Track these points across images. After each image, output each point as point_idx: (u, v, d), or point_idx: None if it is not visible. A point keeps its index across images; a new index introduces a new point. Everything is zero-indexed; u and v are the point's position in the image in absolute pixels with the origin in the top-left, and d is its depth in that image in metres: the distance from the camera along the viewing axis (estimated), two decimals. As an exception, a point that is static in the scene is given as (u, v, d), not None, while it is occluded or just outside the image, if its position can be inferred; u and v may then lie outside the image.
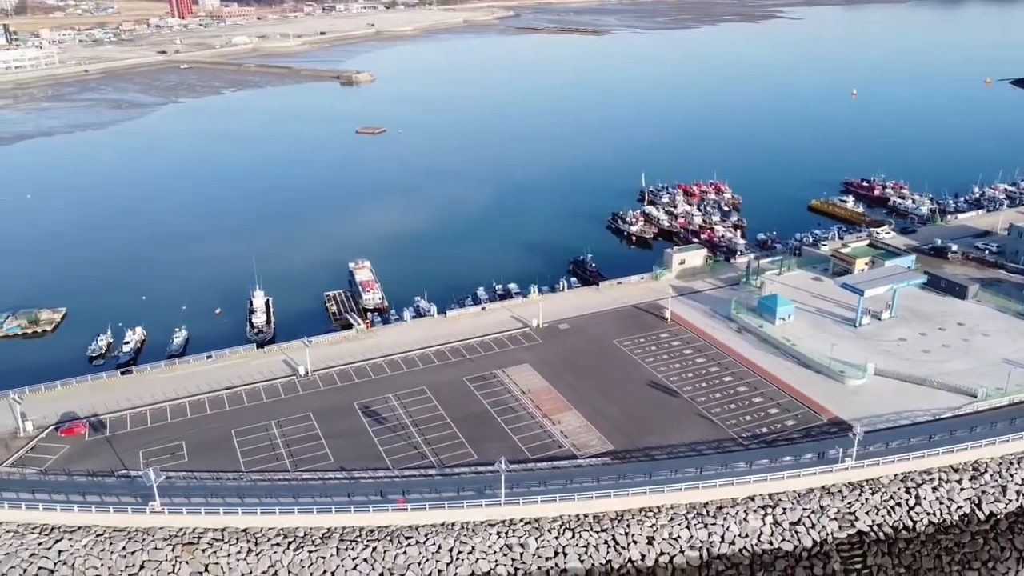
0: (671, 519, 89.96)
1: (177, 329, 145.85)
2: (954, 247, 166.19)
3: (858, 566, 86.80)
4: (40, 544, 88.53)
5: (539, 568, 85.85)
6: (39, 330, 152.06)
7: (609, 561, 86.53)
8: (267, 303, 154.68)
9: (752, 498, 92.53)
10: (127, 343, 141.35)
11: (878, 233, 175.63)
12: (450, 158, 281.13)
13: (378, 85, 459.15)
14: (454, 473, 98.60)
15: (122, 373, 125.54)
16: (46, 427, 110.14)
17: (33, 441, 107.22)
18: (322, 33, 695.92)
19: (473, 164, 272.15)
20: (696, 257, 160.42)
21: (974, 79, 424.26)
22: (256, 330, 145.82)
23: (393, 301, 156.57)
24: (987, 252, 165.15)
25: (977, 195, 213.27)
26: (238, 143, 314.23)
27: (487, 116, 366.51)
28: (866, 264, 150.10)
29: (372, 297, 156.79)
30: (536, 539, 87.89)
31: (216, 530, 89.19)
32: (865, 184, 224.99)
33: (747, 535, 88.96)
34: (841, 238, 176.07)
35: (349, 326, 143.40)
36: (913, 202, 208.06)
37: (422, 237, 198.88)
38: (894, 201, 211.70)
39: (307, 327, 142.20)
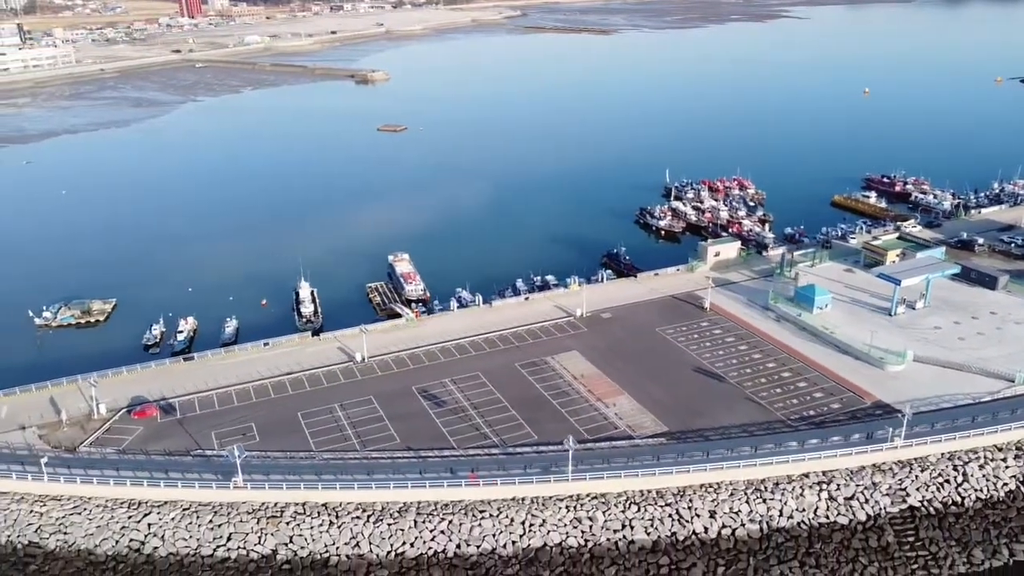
0: (731, 494, 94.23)
1: (228, 319, 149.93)
2: (980, 240, 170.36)
3: (911, 539, 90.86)
4: (130, 518, 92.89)
5: (608, 539, 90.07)
6: (92, 320, 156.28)
7: (674, 533, 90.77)
8: (312, 294, 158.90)
9: (807, 475, 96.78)
10: (180, 332, 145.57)
11: (905, 227, 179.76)
12: (473, 155, 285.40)
13: (393, 84, 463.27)
14: (517, 452, 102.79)
15: (184, 360, 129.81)
16: (118, 410, 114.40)
17: (108, 423, 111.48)
18: (333, 32, 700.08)
19: (496, 161, 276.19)
20: (730, 249, 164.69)
21: (984, 78, 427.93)
22: (305, 320, 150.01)
23: (433, 292, 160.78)
24: (1012, 245, 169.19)
25: (997, 191, 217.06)
26: (263, 140, 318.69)
27: (505, 114, 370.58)
28: (897, 256, 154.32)
29: (415, 288, 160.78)
30: (603, 513, 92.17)
31: (297, 504, 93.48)
32: (886, 180, 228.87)
33: (804, 509, 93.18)
34: (869, 232, 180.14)
35: (396, 316, 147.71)
36: (935, 197, 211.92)
37: (455, 231, 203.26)
38: (916, 197, 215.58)
39: (352, 317, 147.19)
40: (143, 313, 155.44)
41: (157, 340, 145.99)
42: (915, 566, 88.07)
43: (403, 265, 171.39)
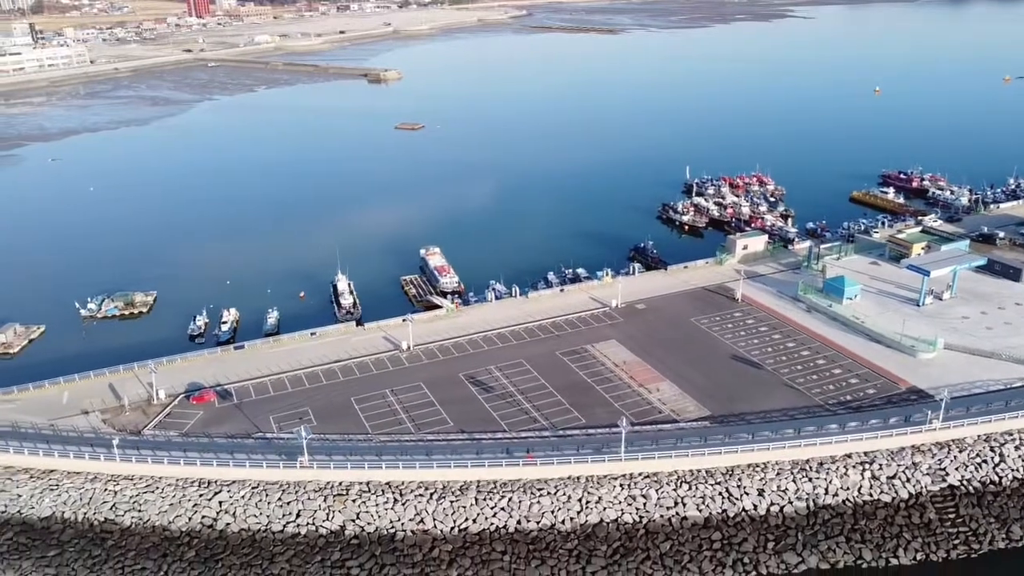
0: (777, 474, 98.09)
1: (269, 310, 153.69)
2: (1001, 234, 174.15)
3: (951, 516, 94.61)
4: (201, 496, 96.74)
5: (661, 516, 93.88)
6: (135, 311, 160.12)
7: (725, 510, 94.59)
8: (350, 286, 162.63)
9: (849, 455, 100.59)
10: (224, 322, 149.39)
11: (925, 222, 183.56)
12: (492, 152, 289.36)
13: (405, 83, 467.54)
14: (568, 435, 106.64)
15: (235, 348, 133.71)
16: (176, 395, 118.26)
17: (168, 408, 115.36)
18: (342, 32, 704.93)
19: (515, 158, 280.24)
20: (758, 243, 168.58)
21: (992, 77, 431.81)
22: (344, 311, 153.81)
23: (467, 285, 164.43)
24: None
25: (1013, 186, 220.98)
26: (284, 137, 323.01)
27: (520, 112, 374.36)
28: (922, 249, 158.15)
29: (449, 281, 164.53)
30: (656, 491, 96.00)
31: (362, 483, 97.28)
32: (903, 176, 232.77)
33: (848, 488, 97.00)
34: (891, 227, 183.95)
35: (433, 307, 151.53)
36: (952, 193, 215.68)
37: (482, 226, 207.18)
38: (933, 192, 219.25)
39: (388, 309, 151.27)
40: (183, 305, 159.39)
41: (202, 330, 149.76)
42: (956, 541, 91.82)
43: (435, 258, 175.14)
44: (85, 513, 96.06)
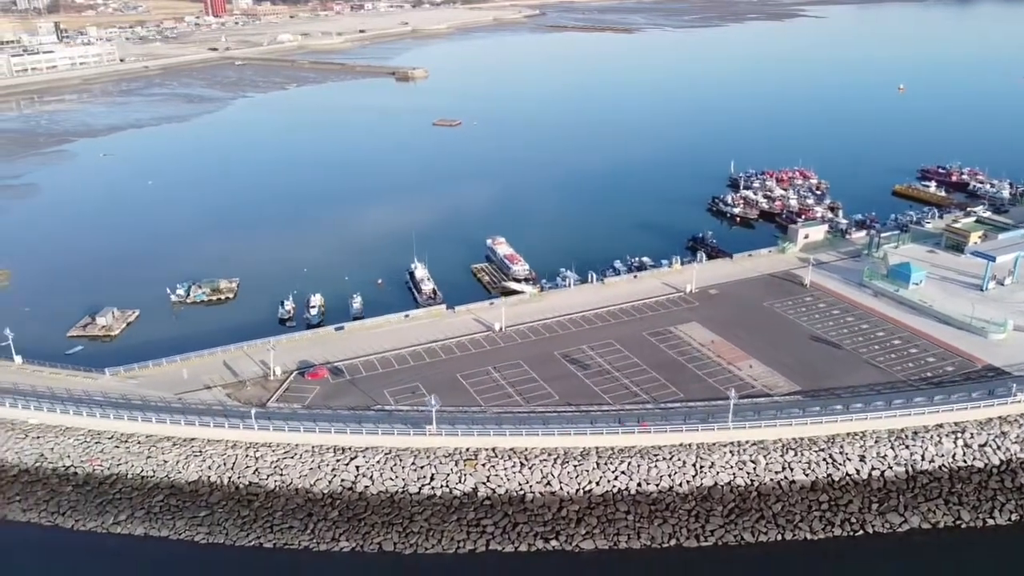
0: (876, 441, 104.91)
1: (353, 295, 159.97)
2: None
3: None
4: (338, 461, 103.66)
5: (771, 479, 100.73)
6: (222, 297, 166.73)
7: (830, 475, 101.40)
8: (428, 273, 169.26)
9: (940, 425, 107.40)
10: (313, 307, 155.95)
11: (975, 212, 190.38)
12: (534, 148, 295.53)
13: (432, 81, 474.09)
14: (670, 407, 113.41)
15: (336, 330, 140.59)
16: (291, 372, 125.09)
17: (285, 383, 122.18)
18: (362, 31, 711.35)
19: (558, 154, 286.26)
20: (818, 232, 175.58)
21: (1010, 74, 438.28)
22: (426, 296, 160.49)
23: (538, 272, 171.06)
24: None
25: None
26: (329, 132, 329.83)
27: (552, 110, 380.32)
28: (979, 237, 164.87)
29: (521, 268, 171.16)
30: (764, 456, 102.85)
31: (488, 449, 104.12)
32: (942, 170, 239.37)
33: (943, 455, 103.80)
34: (940, 217, 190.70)
35: (510, 293, 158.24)
36: (992, 186, 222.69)
37: (541, 217, 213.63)
38: (974, 186, 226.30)
39: (465, 294, 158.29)
40: (266, 291, 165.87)
41: (290, 314, 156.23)
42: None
43: (503, 247, 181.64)
44: (230, 477, 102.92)
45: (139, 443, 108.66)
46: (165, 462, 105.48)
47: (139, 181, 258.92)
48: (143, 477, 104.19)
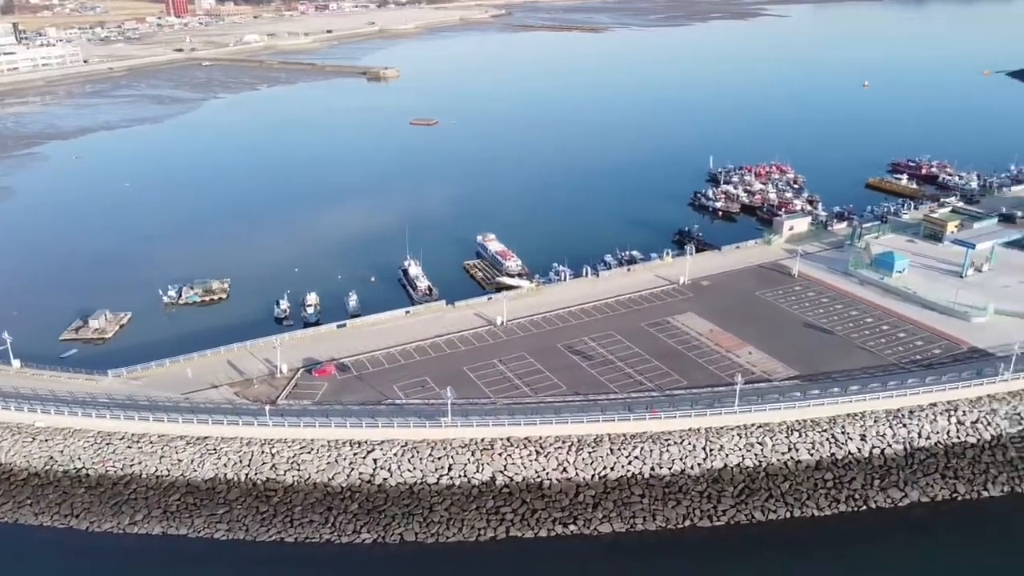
0: (875, 421, 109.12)
1: (349, 293, 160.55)
2: (1020, 213, 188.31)
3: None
4: (355, 455, 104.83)
5: (777, 460, 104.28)
6: (215, 298, 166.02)
7: (833, 454, 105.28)
8: (422, 270, 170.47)
9: (934, 404, 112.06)
10: (309, 306, 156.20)
11: (949, 203, 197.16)
12: (512, 147, 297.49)
13: (404, 80, 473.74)
14: (675, 394, 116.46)
15: (338, 327, 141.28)
16: (298, 369, 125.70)
17: (293, 380, 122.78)
18: (329, 31, 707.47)
19: (537, 152, 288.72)
20: (802, 224, 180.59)
21: (972, 71, 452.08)
22: (421, 292, 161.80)
23: (530, 268, 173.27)
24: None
25: (1015, 172, 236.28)
26: (306, 132, 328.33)
27: (526, 109, 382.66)
28: (956, 226, 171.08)
29: (513, 264, 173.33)
30: (770, 438, 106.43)
31: (503, 439, 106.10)
32: (912, 164, 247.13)
33: (938, 432, 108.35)
34: (916, 208, 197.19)
35: (505, 288, 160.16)
36: (960, 178, 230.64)
37: (528, 214, 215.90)
38: (943, 178, 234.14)
39: (460, 290, 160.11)
40: (258, 291, 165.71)
41: (287, 313, 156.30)
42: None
43: (494, 244, 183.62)
44: (247, 474, 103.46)
45: (151, 443, 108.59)
46: (180, 461, 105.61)
47: (116, 183, 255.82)
48: (158, 477, 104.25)
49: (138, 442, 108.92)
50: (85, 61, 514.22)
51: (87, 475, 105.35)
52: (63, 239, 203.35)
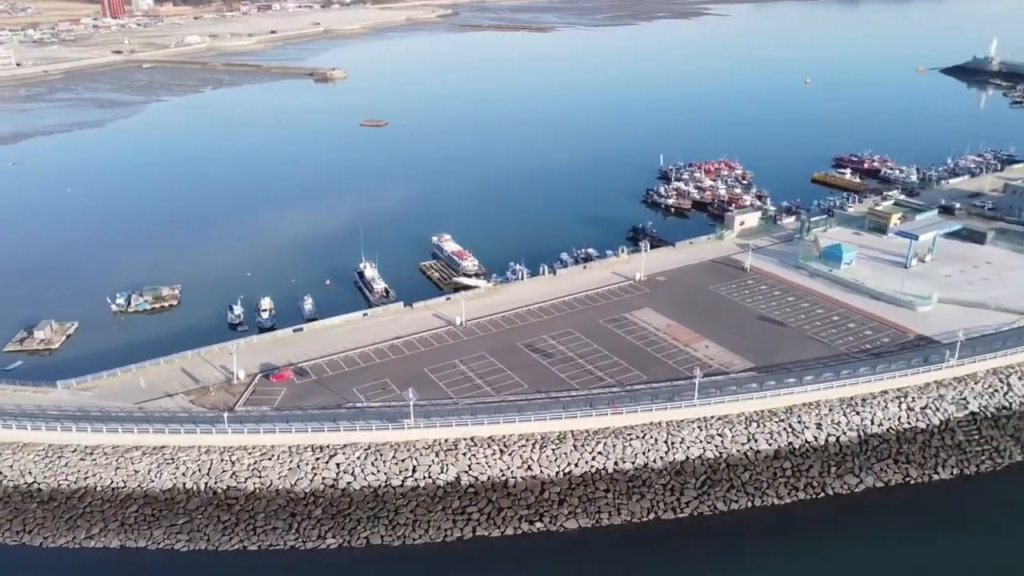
0: (830, 410, 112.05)
1: (304, 297, 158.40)
2: (958, 205, 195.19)
3: (976, 437, 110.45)
4: (318, 460, 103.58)
5: (737, 451, 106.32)
6: (165, 305, 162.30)
7: (791, 443, 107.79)
8: (378, 272, 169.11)
9: (885, 392, 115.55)
10: (264, 311, 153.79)
11: (890, 196, 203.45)
12: (464, 148, 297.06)
13: (352, 81, 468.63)
14: (635, 389, 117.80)
15: (294, 331, 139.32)
16: (255, 375, 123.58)
17: (251, 386, 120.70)
18: (273, 32, 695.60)
19: (488, 153, 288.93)
20: (753, 219, 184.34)
21: (907, 68, 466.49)
22: (378, 295, 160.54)
23: (487, 267, 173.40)
24: (985, 208, 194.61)
25: (951, 166, 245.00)
26: (252, 134, 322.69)
27: (476, 109, 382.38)
28: (899, 219, 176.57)
29: (470, 264, 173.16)
30: (730, 430, 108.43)
31: (466, 439, 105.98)
32: (855, 159, 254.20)
33: (890, 419, 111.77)
34: (861, 202, 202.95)
35: (462, 288, 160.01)
36: (901, 172, 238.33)
37: (481, 213, 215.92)
38: (885, 172, 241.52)
39: (416, 292, 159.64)
40: (210, 296, 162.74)
41: (241, 319, 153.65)
42: (983, 458, 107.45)
43: (450, 244, 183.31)
44: (207, 483, 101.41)
45: (105, 454, 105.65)
46: (136, 472, 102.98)
47: (57, 189, 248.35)
48: (114, 489, 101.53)
49: (91, 454, 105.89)
50: (18, 64, 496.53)
51: (39, 489, 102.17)
52: (2, 247, 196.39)
